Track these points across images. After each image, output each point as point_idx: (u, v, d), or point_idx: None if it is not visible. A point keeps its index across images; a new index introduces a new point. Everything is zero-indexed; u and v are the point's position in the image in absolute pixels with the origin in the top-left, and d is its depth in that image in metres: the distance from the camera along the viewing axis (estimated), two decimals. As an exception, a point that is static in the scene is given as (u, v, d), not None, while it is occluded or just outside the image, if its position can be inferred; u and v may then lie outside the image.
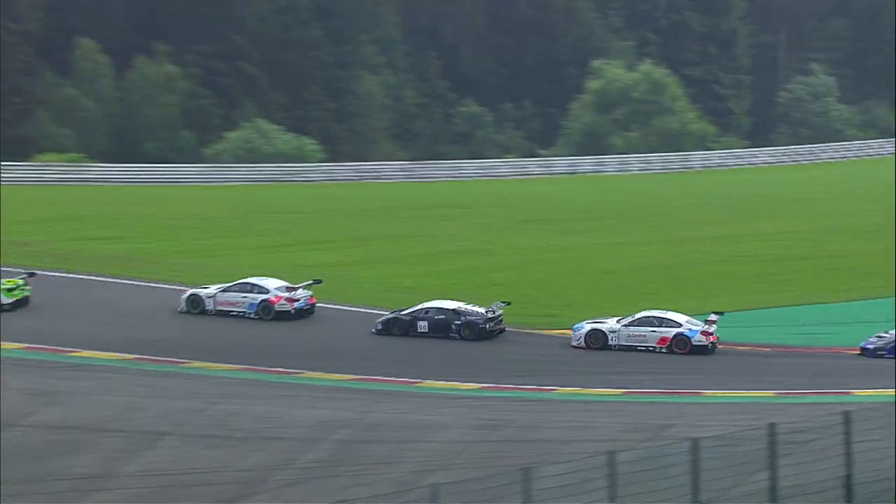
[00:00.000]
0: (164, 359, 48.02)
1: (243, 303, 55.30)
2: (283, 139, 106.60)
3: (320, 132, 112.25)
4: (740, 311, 56.25)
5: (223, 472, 36.97)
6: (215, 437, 39.08)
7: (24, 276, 55.44)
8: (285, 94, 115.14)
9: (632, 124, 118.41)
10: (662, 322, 52.03)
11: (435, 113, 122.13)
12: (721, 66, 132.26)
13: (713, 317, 52.02)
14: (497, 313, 53.31)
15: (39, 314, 53.53)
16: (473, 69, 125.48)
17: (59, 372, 45.69)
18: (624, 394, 45.71)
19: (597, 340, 52.05)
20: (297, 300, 55.37)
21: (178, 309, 55.52)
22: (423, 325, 53.00)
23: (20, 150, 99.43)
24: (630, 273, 64.00)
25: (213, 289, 55.85)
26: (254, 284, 55.68)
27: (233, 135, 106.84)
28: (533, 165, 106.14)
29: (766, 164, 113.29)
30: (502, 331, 53.51)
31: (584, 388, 46.37)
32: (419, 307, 53.45)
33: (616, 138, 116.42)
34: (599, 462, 26.39)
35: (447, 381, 46.83)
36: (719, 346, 51.55)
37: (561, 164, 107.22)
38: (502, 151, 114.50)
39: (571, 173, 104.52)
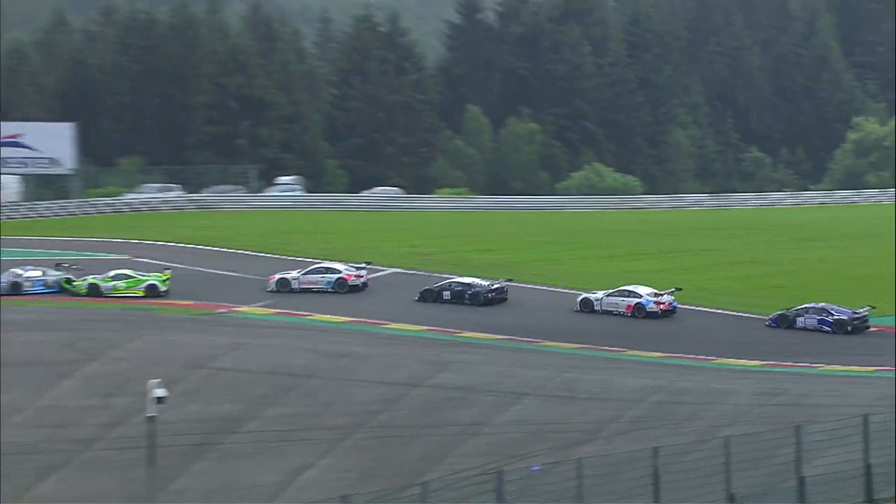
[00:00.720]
0: (524, 339, 48.20)
1: (322, 281, 54.28)
2: (614, 178, 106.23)
3: (642, 172, 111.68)
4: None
5: (569, 423, 37.07)
6: (563, 397, 39.17)
7: (168, 270, 54.21)
8: (616, 145, 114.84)
9: (883, 166, 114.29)
10: (630, 294, 51.37)
11: (728, 158, 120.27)
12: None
13: (669, 290, 51.40)
14: (495, 286, 52.97)
15: (427, 308, 53.23)
16: (759, 125, 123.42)
17: (451, 347, 46.23)
18: (875, 370, 43.88)
19: (587, 306, 51.64)
20: (362, 276, 55.03)
21: (268, 289, 53.96)
22: (447, 295, 52.77)
23: (425, 186, 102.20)
24: (874, 279, 61.09)
25: (294, 273, 54.77)
26: (328, 267, 55.01)
27: (576, 175, 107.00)
28: (804, 197, 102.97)
29: None
30: (504, 300, 53.08)
31: (845, 365, 44.76)
32: (445, 281, 53.58)
33: (870, 176, 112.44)
34: (856, 422, 25.58)
35: (738, 358, 45.83)
36: None
37: (826, 196, 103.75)
38: (779, 186, 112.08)
39: (834, 203, 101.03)
